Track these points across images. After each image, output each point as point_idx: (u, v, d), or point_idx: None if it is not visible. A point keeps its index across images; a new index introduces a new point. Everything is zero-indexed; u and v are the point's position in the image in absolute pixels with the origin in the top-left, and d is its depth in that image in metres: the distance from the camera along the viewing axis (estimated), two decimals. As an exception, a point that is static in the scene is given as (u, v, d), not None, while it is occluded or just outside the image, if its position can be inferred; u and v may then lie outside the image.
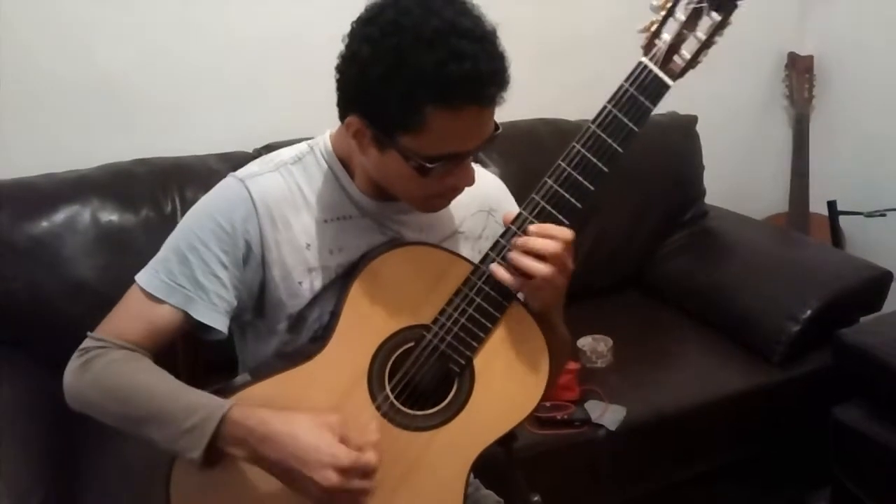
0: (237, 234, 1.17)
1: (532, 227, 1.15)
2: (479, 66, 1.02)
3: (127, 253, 2.03)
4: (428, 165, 1.08)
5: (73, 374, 1.15)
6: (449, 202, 1.21)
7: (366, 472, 1.06)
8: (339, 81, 1.14)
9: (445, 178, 1.13)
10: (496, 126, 1.13)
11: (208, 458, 1.07)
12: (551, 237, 1.14)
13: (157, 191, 2.12)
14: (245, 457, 1.08)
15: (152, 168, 2.17)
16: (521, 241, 1.15)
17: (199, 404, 1.09)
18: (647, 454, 2.09)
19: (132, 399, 1.12)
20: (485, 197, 1.33)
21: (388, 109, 1.06)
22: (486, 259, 1.18)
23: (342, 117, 1.15)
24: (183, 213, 2.03)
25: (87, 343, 1.17)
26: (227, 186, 1.21)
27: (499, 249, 1.17)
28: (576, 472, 2.00)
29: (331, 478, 1.04)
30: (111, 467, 1.78)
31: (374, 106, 1.07)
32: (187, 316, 1.16)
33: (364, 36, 1.06)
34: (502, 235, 1.18)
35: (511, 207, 1.37)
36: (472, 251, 1.33)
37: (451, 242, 1.31)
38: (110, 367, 1.13)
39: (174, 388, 1.13)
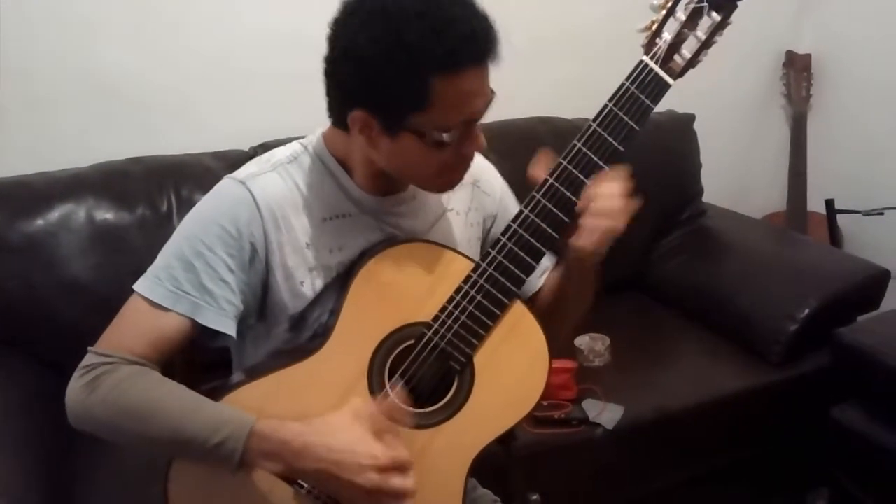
0: (243, 237, 1.15)
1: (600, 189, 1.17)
2: (471, 25, 1.05)
3: (122, 252, 2.02)
4: (444, 136, 1.09)
5: (79, 393, 1.11)
6: (463, 175, 1.21)
7: (403, 468, 1.07)
8: (332, 82, 1.14)
9: (460, 147, 1.13)
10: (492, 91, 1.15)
11: (238, 470, 1.07)
12: (613, 195, 1.16)
13: (153, 189, 2.11)
14: (277, 470, 1.08)
15: (147, 167, 2.16)
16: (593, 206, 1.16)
17: (223, 420, 1.07)
18: (645, 453, 2.09)
19: (149, 418, 1.09)
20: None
21: (393, 92, 1.06)
22: (495, 245, 1.18)
23: (340, 118, 1.15)
24: (178, 212, 2.07)
25: (90, 359, 1.12)
26: (228, 189, 1.19)
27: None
28: (573, 472, 1.99)
29: (372, 478, 1.04)
30: (108, 469, 1.77)
31: (379, 93, 1.07)
32: (194, 323, 1.14)
33: (353, 27, 1.06)
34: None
35: (492, 175, 1.41)
36: (464, 224, 1.34)
37: (444, 221, 1.32)
38: (122, 386, 1.09)
39: (193, 404, 1.10)
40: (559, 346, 1.33)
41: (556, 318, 1.33)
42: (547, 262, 1.40)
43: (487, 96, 1.12)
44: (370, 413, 1.10)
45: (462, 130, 1.11)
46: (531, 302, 1.39)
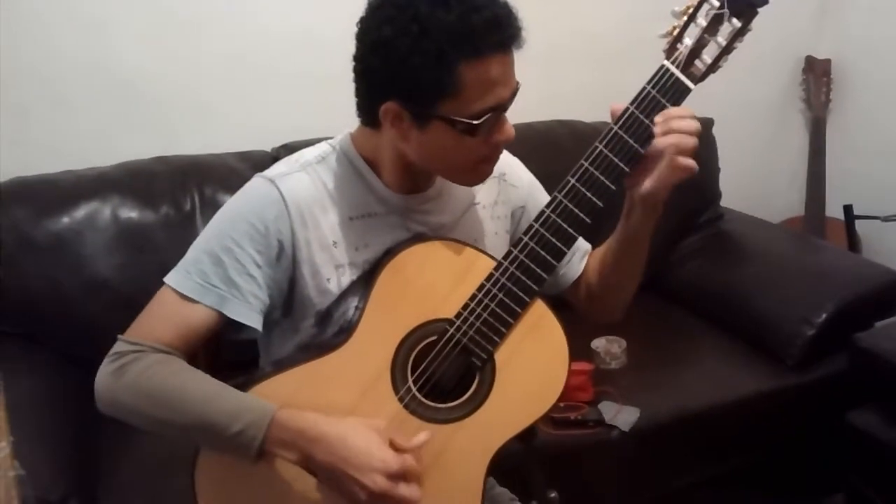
0: (270, 233, 1.18)
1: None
2: (496, 11, 1.08)
3: (146, 251, 2.05)
4: (474, 123, 1.11)
5: (108, 378, 1.14)
6: (494, 166, 1.23)
7: (412, 478, 1.09)
8: (362, 79, 1.16)
9: (490, 135, 1.15)
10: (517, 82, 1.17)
11: (257, 458, 1.10)
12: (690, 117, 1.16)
13: (177, 189, 2.14)
14: (294, 459, 1.10)
15: (171, 166, 2.19)
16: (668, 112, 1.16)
17: (244, 408, 1.10)
18: (661, 456, 2.09)
19: (174, 404, 1.12)
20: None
21: (422, 80, 1.08)
22: (518, 244, 1.19)
23: (370, 115, 1.17)
24: (202, 212, 2.10)
25: (120, 347, 1.16)
26: (258, 187, 1.22)
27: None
28: (589, 473, 2.00)
29: (380, 482, 1.06)
30: (131, 460, 1.80)
31: (408, 82, 1.09)
32: (221, 316, 1.17)
33: (380, 20, 1.09)
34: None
35: (518, 168, 1.43)
36: (490, 218, 1.36)
37: (469, 214, 1.34)
38: (148, 372, 1.13)
39: (216, 392, 1.13)
40: (622, 315, 1.40)
41: (612, 290, 1.37)
42: (585, 245, 1.42)
43: (513, 86, 1.14)
44: (385, 426, 1.12)
45: (491, 119, 1.12)
46: (575, 286, 1.43)
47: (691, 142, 1.15)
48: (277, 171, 1.23)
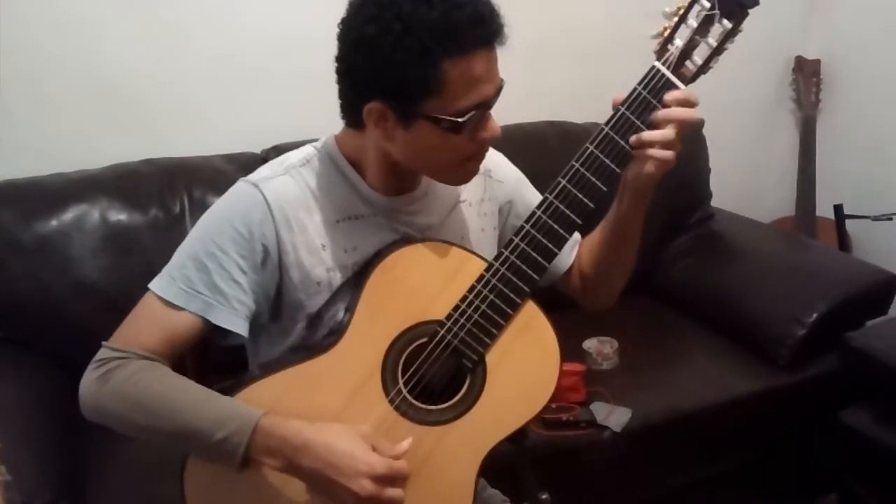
0: (254, 238, 1.17)
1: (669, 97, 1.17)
2: (478, 8, 1.08)
3: (134, 253, 2.04)
4: (459, 120, 1.10)
5: (92, 385, 1.13)
6: (480, 164, 1.23)
7: (398, 480, 1.08)
8: (345, 79, 1.15)
9: (475, 133, 1.15)
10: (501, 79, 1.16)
11: (242, 466, 1.09)
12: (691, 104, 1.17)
13: (165, 191, 2.13)
14: (278, 466, 1.09)
15: (159, 168, 2.18)
16: (664, 113, 1.16)
17: (228, 416, 1.09)
18: (653, 456, 2.09)
19: (158, 411, 1.11)
20: None
21: (406, 78, 1.08)
22: (508, 245, 1.19)
23: (354, 115, 1.16)
24: (190, 214, 2.09)
25: (104, 353, 1.15)
26: (241, 191, 1.21)
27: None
28: (581, 474, 2.00)
29: (366, 486, 1.05)
30: (119, 464, 1.79)
31: (392, 80, 1.09)
32: (206, 322, 1.16)
33: (363, 18, 1.08)
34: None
35: (504, 164, 1.43)
36: (476, 215, 1.36)
37: (456, 213, 1.33)
38: (132, 379, 1.12)
39: (201, 399, 1.12)
40: (615, 301, 1.41)
41: (606, 276, 1.38)
42: (575, 235, 1.41)
43: (497, 83, 1.14)
44: (370, 431, 1.11)
45: (476, 117, 1.12)
46: (567, 275, 1.43)
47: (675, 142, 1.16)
48: (261, 175, 1.22)
